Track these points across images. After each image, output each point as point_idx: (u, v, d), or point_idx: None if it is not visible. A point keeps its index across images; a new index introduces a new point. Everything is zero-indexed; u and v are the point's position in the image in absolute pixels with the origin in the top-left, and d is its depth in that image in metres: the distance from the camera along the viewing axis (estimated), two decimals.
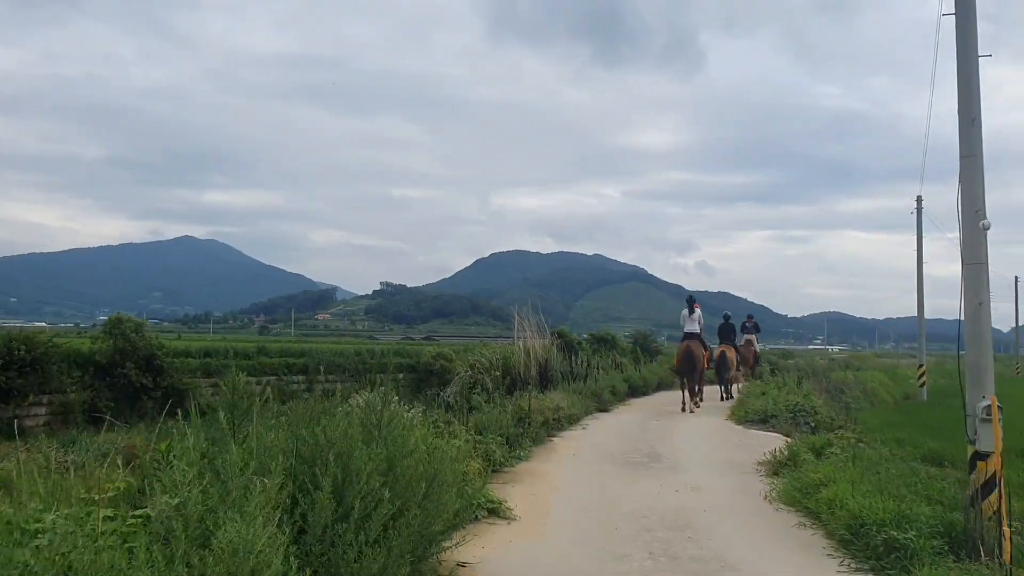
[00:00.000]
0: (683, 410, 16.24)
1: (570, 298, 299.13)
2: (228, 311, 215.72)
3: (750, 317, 24.29)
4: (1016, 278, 53.84)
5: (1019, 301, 54.44)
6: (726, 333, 20.95)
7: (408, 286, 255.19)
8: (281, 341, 49.42)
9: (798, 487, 7.20)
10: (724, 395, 19.48)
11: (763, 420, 14.25)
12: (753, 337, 23.75)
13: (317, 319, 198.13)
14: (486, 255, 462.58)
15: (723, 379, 19.77)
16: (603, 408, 16.20)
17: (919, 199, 29.28)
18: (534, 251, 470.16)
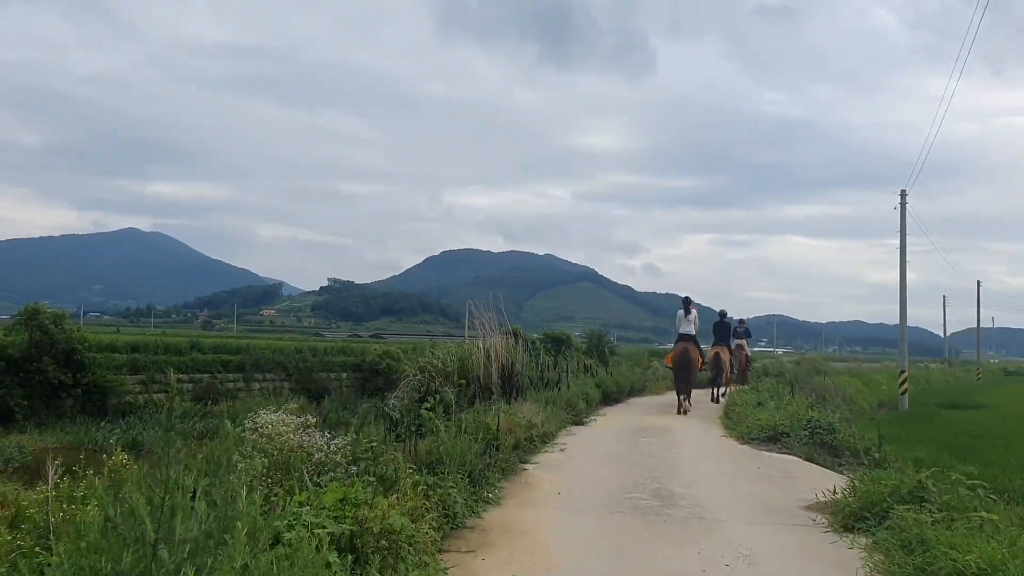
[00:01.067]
0: (679, 412, 15.95)
1: (521, 298, 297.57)
2: (171, 305, 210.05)
3: (741, 322, 23.41)
4: (979, 283, 52.90)
5: (979, 307, 53.40)
6: (721, 332, 19.89)
7: (356, 283, 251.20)
8: (223, 337, 46.49)
9: (922, 568, 4.66)
10: (715, 397, 19.03)
11: (772, 438, 11.87)
12: (744, 341, 22.97)
13: (262, 315, 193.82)
14: (436, 253, 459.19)
15: (716, 381, 19.33)
16: (578, 420, 13.65)
17: (903, 193, 27.45)
18: (485, 250, 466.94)
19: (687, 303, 16.89)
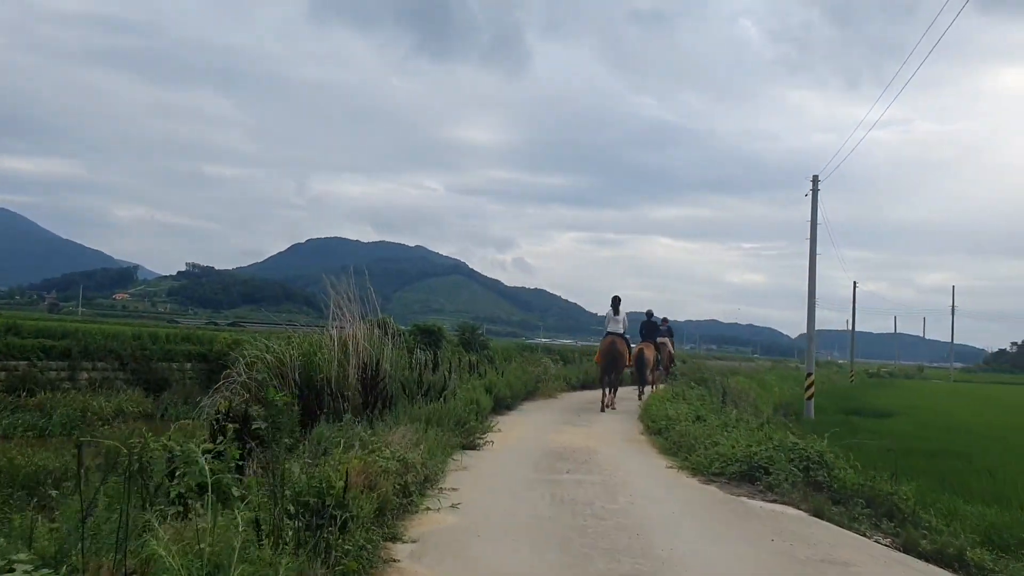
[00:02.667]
0: (603, 409, 15.77)
1: (390, 289, 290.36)
2: (16, 286, 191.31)
3: (665, 320, 22.47)
4: (855, 283, 52.89)
5: (855, 309, 53.46)
6: (649, 331, 19.81)
7: (216, 268, 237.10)
8: (65, 321, 40.33)
9: None
10: (640, 394, 18.92)
11: (745, 475, 8.40)
12: (668, 340, 22.22)
13: (115, 299, 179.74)
14: (303, 240, 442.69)
15: (641, 378, 19.36)
16: (470, 443, 9.75)
17: (815, 180, 25.17)
18: (354, 239, 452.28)
19: (616, 303, 16.44)
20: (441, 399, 9.88)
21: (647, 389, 19.31)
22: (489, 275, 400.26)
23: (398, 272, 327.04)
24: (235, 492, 4.45)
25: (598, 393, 19.63)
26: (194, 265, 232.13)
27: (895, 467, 8.56)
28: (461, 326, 27.22)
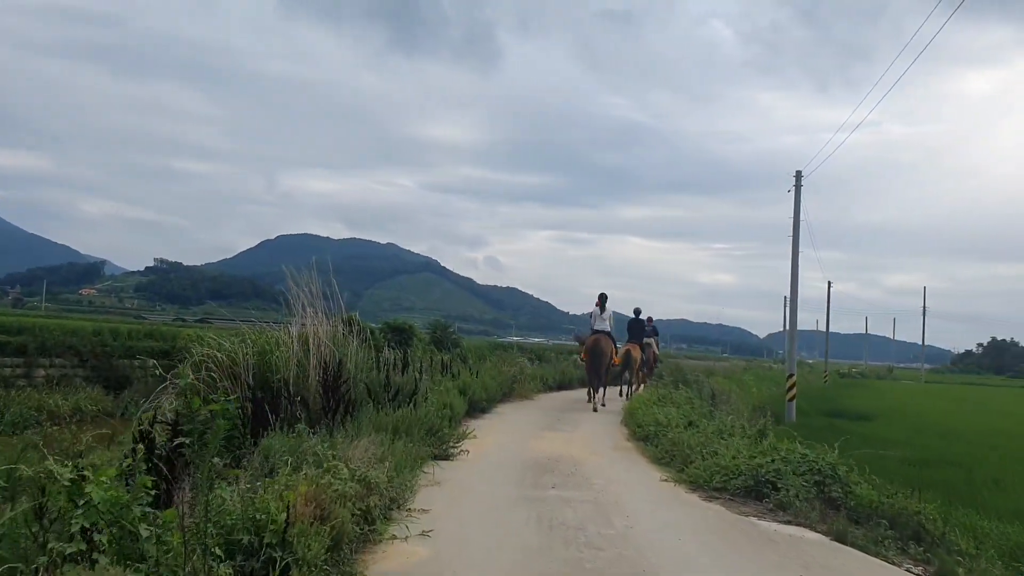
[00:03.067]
0: (594, 409, 15.49)
1: (361, 286, 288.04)
2: None
3: (650, 320, 22.08)
4: (829, 283, 52.55)
5: (829, 309, 53.15)
6: (635, 330, 19.63)
7: (185, 264, 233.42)
8: (27, 316, 38.93)
9: None
10: (627, 394, 18.75)
11: (751, 491, 7.53)
12: (652, 340, 21.98)
13: (81, 294, 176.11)
14: (272, 237, 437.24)
15: (626, 378, 19.30)
16: (442, 452, 8.77)
17: (798, 175, 24.48)
18: (324, 236, 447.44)
19: (603, 300, 16.39)
20: (411, 404, 8.87)
21: (632, 389, 19.25)
22: (461, 273, 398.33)
23: (369, 270, 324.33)
24: (143, 532, 3.45)
25: (577, 394, 19.30)
26: (162, 261, 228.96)
27: (914, 480, 7.73)
28: (433, 324, 26.42)
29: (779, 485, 7.36)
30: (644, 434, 11.18)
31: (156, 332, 31.69)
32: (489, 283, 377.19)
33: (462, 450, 8.89)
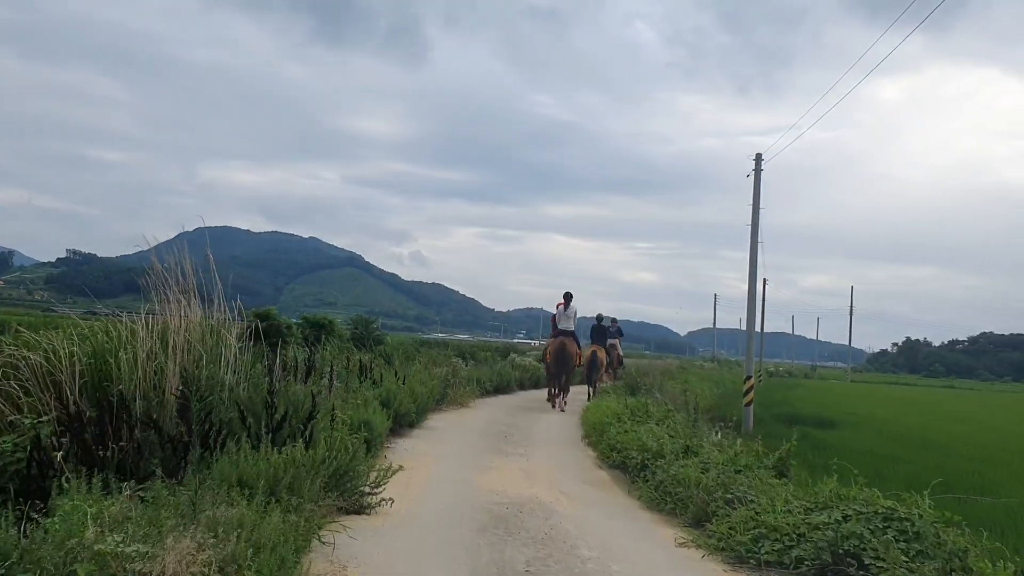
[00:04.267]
0: (553, 406, 15.62)
1: (282, 281, 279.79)
2: None
3: (614, 322, 22.48)
4: (765, 280, 51.26)
5: (764, 306, 51.86)
6: (599, 334, 19.99)
7: (99, 256, 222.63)
8: None
9: None
10: (591, 394, 18.24)
11: (826, 568, 5.01)
12: (616, 341, 22.31)
13: None
14: (190, 229, 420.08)
15: (592, 379, 19.08)
16: (355, 503, 5.97)
17: (758, 158, 22.41)
18: (244, 229, 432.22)
19: (568, 298, 16.38)
20: (307, 433, 6.00)
21: (596, 388, 19.18)
22: (386, 268, 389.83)
23: (290, 263, 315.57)
24: None
25: (520, 399, 18.44)
26: (75, 252, 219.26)
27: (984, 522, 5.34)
28: (355, 320, 24.38)
29: (864, 559, 4.87)
30: (621, 460, 8.62)
31: (61, 325, 27.90)
32: (415, 279, 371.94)
33: (382, 499, 6.09)
